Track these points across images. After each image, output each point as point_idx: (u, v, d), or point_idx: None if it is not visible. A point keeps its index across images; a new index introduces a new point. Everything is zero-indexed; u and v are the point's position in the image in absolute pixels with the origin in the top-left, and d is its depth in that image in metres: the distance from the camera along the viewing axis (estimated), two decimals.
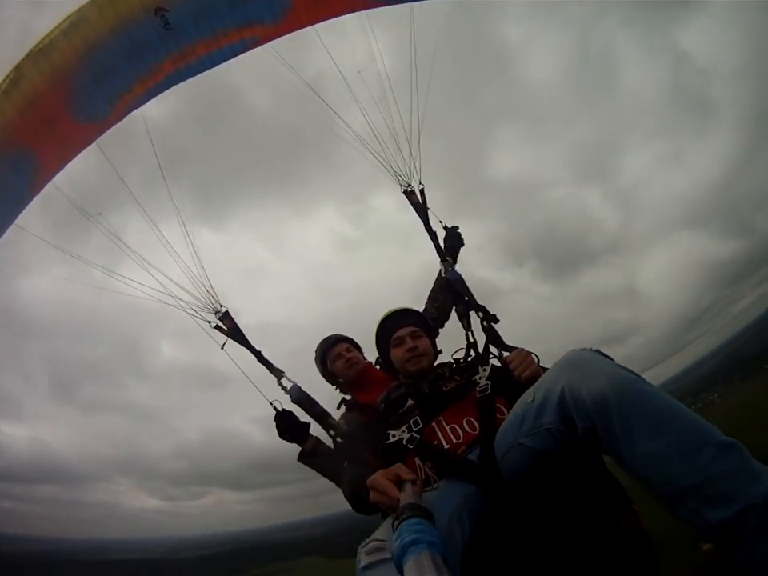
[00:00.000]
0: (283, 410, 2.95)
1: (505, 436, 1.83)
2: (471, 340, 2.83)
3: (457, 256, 3.23)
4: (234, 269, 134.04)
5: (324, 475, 2.84)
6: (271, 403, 2.97)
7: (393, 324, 2.68)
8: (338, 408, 3.00)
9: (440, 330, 3.25)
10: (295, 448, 2.91)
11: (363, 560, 1.44)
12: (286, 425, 2.91)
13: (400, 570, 1.01)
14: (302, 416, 2.99)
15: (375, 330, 2.78)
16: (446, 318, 3.23)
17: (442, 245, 3.20)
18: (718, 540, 1.30)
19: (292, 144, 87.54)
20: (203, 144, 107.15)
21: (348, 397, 3.20)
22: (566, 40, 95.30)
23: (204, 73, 3.63)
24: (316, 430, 2.93)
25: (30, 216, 3.41)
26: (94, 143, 3.52)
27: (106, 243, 3.40)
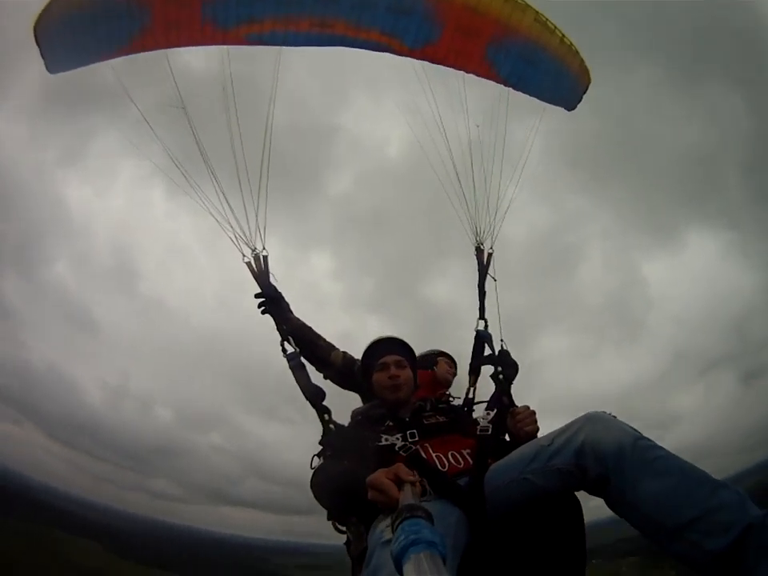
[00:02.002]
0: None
1: (505, 471, 1.98)
2: (470, 396, 2.88)
3: (510, 384, 2.95)
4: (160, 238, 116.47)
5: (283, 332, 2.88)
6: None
7: (382, 349, 2.75)
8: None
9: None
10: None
11: (386, 535, 1.44)
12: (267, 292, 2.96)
13: (400, 571, 1.01)
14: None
15: (363, 352, 2.82)
16: None
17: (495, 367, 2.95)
18: (717, 572, 1.41)
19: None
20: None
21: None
22: (539, 220, 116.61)
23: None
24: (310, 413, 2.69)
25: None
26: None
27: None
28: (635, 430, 1.72)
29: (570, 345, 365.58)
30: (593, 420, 1.79)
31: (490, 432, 2.29)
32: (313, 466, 2.34)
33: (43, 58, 3.11)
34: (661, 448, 1.66)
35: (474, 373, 2.92)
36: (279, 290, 3.01)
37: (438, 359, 3.71)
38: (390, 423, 2.43)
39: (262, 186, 3.13)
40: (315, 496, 2.21)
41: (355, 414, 2.68)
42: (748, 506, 1.45)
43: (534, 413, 2.37)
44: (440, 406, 2.63)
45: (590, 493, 1.78)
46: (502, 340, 2.99)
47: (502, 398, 2.62)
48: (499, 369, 2.81)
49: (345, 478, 2.05)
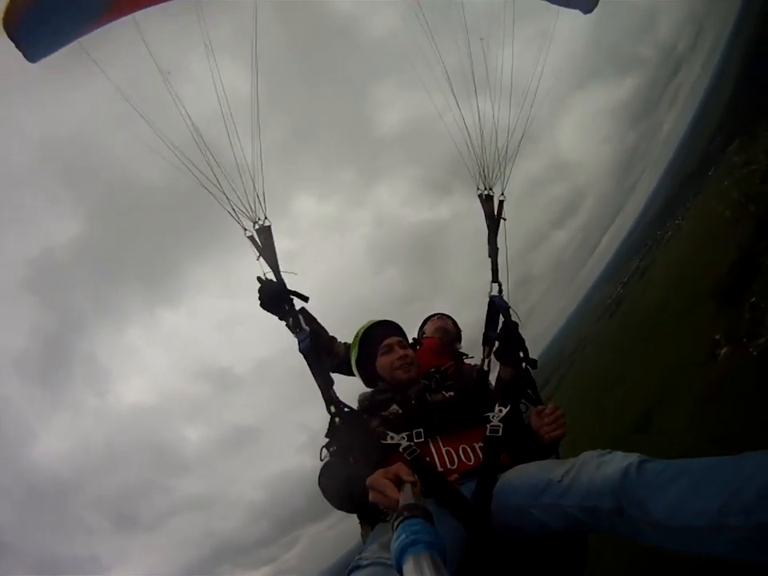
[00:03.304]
0: (266, 278, 2.69)
1: (512, 493, 1.89)
2: (486, 369, 2.68)
3: (512, 361, 2.66)
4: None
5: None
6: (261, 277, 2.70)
7: (380, 332, 2.71)
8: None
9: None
10: None
11: (362, 561, 1.47)
12: (267, 294, 2.65)
13: (399, 571, 1.02)
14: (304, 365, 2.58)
15: (358, 338, 2.75)
16: None
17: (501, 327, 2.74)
18: None
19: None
20: None
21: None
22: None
23: None
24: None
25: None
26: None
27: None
28: (639, 455, 1.62)
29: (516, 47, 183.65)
30: (592, 460, 1.73)
31: (500, 434, 2.18)
32: (322, 458, 2.31)
33: (20, 49, 2.88)
34: (663, 461, 1.55)
35: (489, 344, 2.72)
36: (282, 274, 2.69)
37: (424, 327, 3.51)
38: (398, 409, 2.37)
39: (255, 143, 2.70)
40: (324, 496, 2.20)
41: (362, 400, 2.62)
42: None
43: (562, 416, 2.21)
44: (447, 383, 2.57)
45: (608, 532, 1.66)
46: (509, 307, 2.71)
47: (517, 393, 2.48)
48: (521, 354, 2.60)
49: (348, 482, 2.00)
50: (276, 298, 2.63)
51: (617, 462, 1.62)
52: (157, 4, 2.90)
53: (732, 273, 12.95)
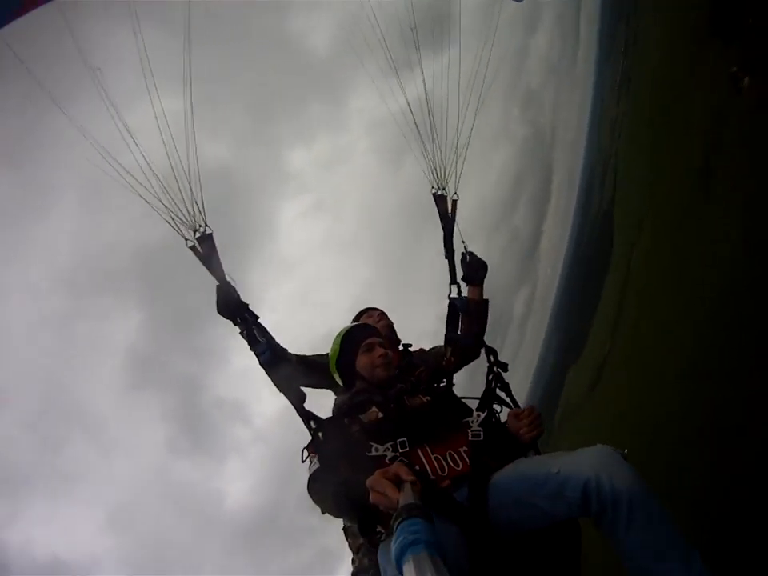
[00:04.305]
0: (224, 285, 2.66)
1: (509, 489, 1.97)
2: (448, 368, 2.85)
3: (482, 281, 3.01)
4: None
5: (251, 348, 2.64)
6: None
7: (361, 333, 2.79)
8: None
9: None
10: None
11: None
12: (224, 300, 2.65)
13: (400, 571, 1.05)
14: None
15: (340, 337, 2.77)
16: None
17: (459, 268, 2.97)
18: None
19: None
20: None
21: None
22: None
23: None
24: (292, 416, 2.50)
25: None
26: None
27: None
28: (642, 486, 1.77)
29: None
30: (604, 458, 1.84)
31: (481, 438, 2.24)
32: (304, 460, 2.33)
33: None
34: (657, 500, 1.76)
35: (451, 344, 2.87)
36: (231, 281, 2.66)
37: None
38: (377, 413, 2.38)
39: (189, 146, 2.57)
40: (318, 504, 2.19)
41: (340, 404, 2.65)
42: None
43: (539, 416, 2.30)
44: (422, 387, 2.60)
45: (585, 516, 1.85)
46: (463, 241, 2.88)
47: (493, 398, 2.60)
48: (492, 359, 2.74)
49: (346, 486, 2.00)
50: (231, 305, 2.64)
51: (627, 480, 1.75)
52: None
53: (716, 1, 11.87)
